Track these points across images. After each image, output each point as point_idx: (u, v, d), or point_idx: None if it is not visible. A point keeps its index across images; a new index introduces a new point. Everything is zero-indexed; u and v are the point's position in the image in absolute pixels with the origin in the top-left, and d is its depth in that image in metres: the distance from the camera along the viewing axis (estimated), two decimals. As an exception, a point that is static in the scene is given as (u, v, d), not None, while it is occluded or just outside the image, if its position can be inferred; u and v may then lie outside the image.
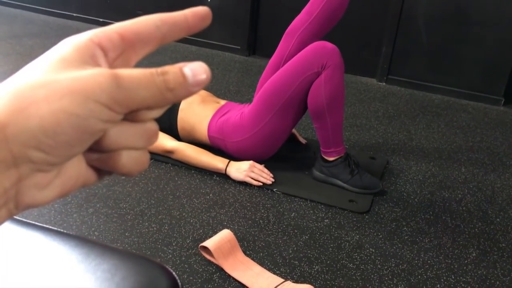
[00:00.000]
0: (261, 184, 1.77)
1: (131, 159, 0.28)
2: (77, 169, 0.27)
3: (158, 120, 1.95)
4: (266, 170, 1.81)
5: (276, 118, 1.76)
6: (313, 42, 1.85)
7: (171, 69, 0.28)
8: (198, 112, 1.92)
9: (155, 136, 0.29)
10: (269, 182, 1.77)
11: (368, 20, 3.27)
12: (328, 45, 1.69)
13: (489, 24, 2.94)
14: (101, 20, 4.29)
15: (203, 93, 2.03)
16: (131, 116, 0.27)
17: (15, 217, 0.59)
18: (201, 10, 0.32)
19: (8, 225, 0.56)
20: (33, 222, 0.56)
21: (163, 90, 0.27)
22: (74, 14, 4.39)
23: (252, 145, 1.82)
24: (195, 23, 0.31)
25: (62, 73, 0.26)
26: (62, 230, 0.54)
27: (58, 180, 0.26)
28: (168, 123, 1.95)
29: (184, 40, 3.95)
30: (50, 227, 0.53)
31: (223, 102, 2.00)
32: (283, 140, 1.87)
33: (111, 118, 0.25)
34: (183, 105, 1.94)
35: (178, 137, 1.96)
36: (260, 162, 1.85)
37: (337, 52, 1.69)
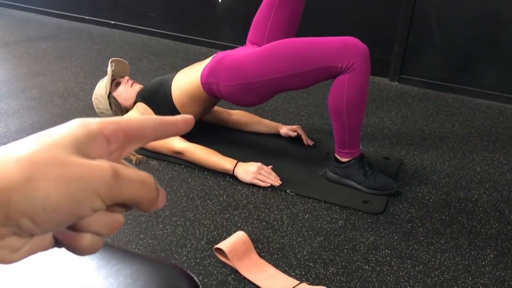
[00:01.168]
0: (268, 185, 1.76)
1: (91, 243, 0.30)
2: (43, 240, 0.29)
3: (157, 110, 1.97)
4: (273, 173, 1.80)
5: (280, 80, 1.70)
6: None
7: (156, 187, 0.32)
8: (189, 75, 1.93)
9: (119, 228, 0.32)
10: (277, 184, 1.77)
11: (379, 19, 3.25)
12: (361, 46, 1.64)
13: (503, 21, 2.90)
14: (112, 22, 4.32)
15: (190, 66, 2.03)
16: (108, 207, 0.30)
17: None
18: (189, 118, 0.35)
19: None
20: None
21: (153, 194, 0.31)
22: (86, 17, 4.43)
23: (248, 91, 1.76)
24: (183, 128, 0.35)
25: (73, 156, 0.28)
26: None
27: (28, 245, 0.28)
28: (167, 108, 1.96)
29: (195, 42, 3.96)
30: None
31: (212, 56, 1.97)
32: (276, 95, 1.83)
33: (99, 207, 0.28)
34: (174, 83, 1.96)
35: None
36: (266, 163, 1.84)
37: (367, 56, 1.64)
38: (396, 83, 3.28)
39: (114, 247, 0.53)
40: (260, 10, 1.95)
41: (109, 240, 1.42)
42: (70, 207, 0.27)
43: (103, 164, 0.28)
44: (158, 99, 1.97)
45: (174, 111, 1.96)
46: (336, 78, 1.66)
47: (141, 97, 2.03)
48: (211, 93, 1.88)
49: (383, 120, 2.58)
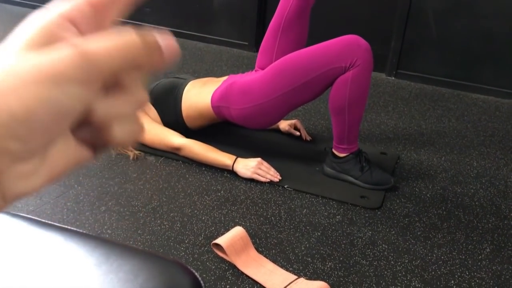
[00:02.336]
0: (268, 180, 1.77)
1: (122, 130, 0.27)
2: (64, 151, 0.26)
3: (164, 115, 1.96)
4: (273, 168, 1.80)
5: (289, 95, 1.71)
6: (312, 2, 1.85)
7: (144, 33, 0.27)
8: (201, 92, 1.92)
9: (143, 101, 0.28)
10: (276, 180, 1.77)
11: (376, 14, 3.24)
12: (362, 42, 1.64)
13: (499, 16, 2.90)
14: (108, 17, 4.29)
15: (204, 79, 2.03)
16: (112, 85, 0.26)
17: (31, 217, 0.59)
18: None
19: (24, 225, 0.56)
20: (50, 223, 0.56)
21: (146, 50, 0.26)
22: (82, 12, 4.40)
23: (259, 113, 1.77)
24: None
25: (28, 57, 0.24)
26: (80, 231, 0.54)
27: (44, 166, 0.25)
28: (174, 117, 1.95)
29: (191, 37, 3.94)
30: (68, 227, 0.53)
31: (225, 77, 1.98)
32: (287, 113, 1.83)
33: (86, 95, 0.24)
34: (186, 95, 1.94)
35: (186, 127, 1.96)
36: (268, 160, 1.84)
37: (370, 52, 1.65)
38: (393, 78, 3.28)
39: (114, 242, 0.53)
40: (266, 35, 1.94)
41: (107, 235, 1.42)
42: (45, 110, 0.23)
43: (63, 52, 0.24)
44: (167, 105, 1.95)
45: (179, 120, 1.95)
46: (339, 77, 1.66)
47: (148, 97, 2.00)
48: (221, 117, 1.89)
49: (380, 115, 2.58)
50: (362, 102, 1.69)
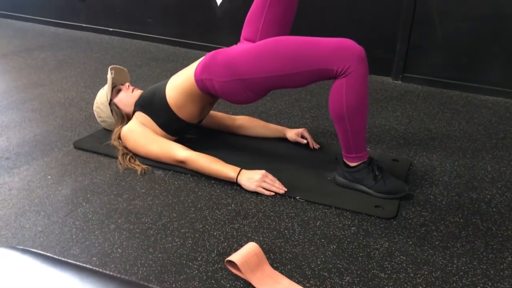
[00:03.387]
0: (273, 193, 1.73)
1: None
2: None
3: (156, 117, 1.93)
4: (278, 181, 1.76)
5: (276, 79, 1.68)
6: None
7: None
8: (183, 74, 1.91)
9: None
10: (282, 192, 1.73)
11: (381, 17, 3.21)
12: (357, 49, 1.58)
13: (505, 16, 2.87)
14: (110, 29, 4.29)
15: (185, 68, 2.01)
16: None
17: (43, 253, 0.56)
18: None
19: (37, 264, 0.52)
20: (64, 260, 0.53)
21: None
22: (84, 25, 4.40)
23: (242, 88, 1.74)
24: None
25: None
26: (97, 269, 0.51)
27: None
28: (164, 113, 1.93)
29: (195, 46, 3.92)
30: (85, 265, 0.50)
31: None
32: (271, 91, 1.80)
33: None
34: (168, 86, 1.93)
35: (180, 121, 1.93)
36: (276, 173, 1.80)
37: (364, 58, 1.59)
38: (400, 82, 3.24)
39: (135, 284, 0.49)
40: (253, 6, 1.91)
41: (118, 255, 1.39)
42: None
43: None
44: (154, 105, 1.94)
45: (170, 114, 1.92)
46: (334, 83, 1.63)
47: (138, 105, 2.00)
48: (205, 90, 1.85)
49: (388, 120, 2.54)
50: (362, 110, 1.65)
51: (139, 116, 1.98)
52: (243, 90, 1.74)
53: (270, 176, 1.76)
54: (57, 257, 0.52)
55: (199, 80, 1.83)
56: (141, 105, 1.98)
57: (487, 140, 2.34)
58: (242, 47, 1.77)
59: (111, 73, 2.08)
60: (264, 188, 1.73)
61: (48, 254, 0.52)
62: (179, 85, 1.89)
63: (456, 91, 3.10)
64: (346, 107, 1.63)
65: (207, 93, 1.87)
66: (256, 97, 1.79)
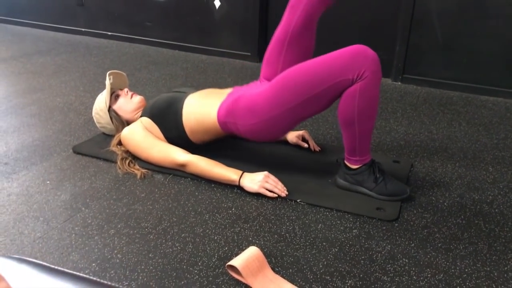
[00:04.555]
0: (276, 196, 1.72)
1: None
2: None
3: (166, 130, 1.91)
4: (280, 183, 1.75)
5: (295, 109, 1.66)
6: (320, 13, 1.77)
7: None
8: (204, 104, 1.87)
9: None
10: (283, 195, 1.72)
11: (379, 19, 3.21)
12: (369, 52, 1.57)
13: (505, 16, 2.86)
14: (109, 33, 4.28)
15: (204, 90, 1.98)
16: None
17: (40, 262, 0.54)
18: None
19: (34, 273, 0.51)
20: (61, 269, 0.52)
21: None
22: (83, 29, 4.40)
23: (267, 128, 1.73)
24: None
25: None
26: (94, 279, 0.50)
27: None
28: (176, 132, 1.91)
29: (194, 50, 3.92)
30: (82, 275, 0.48)
31: (229, 89, 1.93)
32: (297, 125, 1.78)
33: None
34: (186, 108, 1.89)
35: (190, 142, 1.92)
36: (278, 174, 1.80)
37: (378, 62, 1.58)
38: (399, 83, 3.24)
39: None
40: (271, 47, 1.87)
41: (118, 260, 1.38)
42: None
43: None
44: (167, 119, 1.91)
45: (182, 134, 1.91)
46: (347, 89, 1.61)
47: (149, 114, 1.95)
48: (228, 131, 1.85)
49: (389, 122, 2.53)
50: (372, 113, 1.63)
51: (145, 121, 1.94)
52: (268, 130, 1.74)
53: (273, 177, 1.75)
54: (53, 266, 0.51)
55: (223, 122, 1.82)
56: (153, 114, 1.94)
57: (488, 140, 2.33)
58: (261, 88, 1.75)
59: (109, 79, 2.07)
60: (266, 189, 1.72)
61: (45, 264, 0.51)
62: (199, 116, 1.86)
63: (456, 91, 3.09)
64: (358, 112, 1.60)
65: (229, 133, 1.86)
66: (282, 134, 1.78)
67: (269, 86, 1.72)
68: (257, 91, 1.75)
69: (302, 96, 1.63)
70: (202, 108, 1.87)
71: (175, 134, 1.91)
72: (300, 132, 2.12)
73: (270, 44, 1.88)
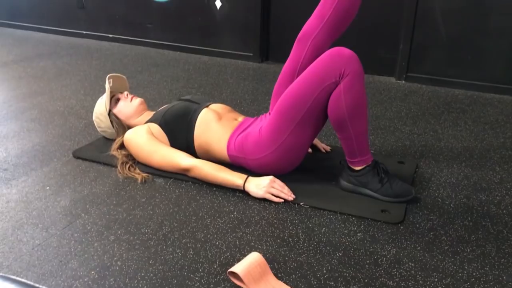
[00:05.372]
0: (282, 200, 1.69)
1: None
2: None
3: (174, 140, 1.88)
4: (286, 187, 1.72)
5: (296, 131, 1.69)
6: (328, 46, 1.76)
7: None
8: (215, 130, 1.85)
9: None
10: (290, 199, 1.69)
11: (383, 17, 3.17)
12: (345, 51, 1.58)
13: (510, 13, 2.82)
14: (110, 36, 4.27)
15: (221, 109, 1.95)
16: None
17: (24, 281, 0.52)
18: None
19: None
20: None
21: None
22: (84, 32, 4.38)
23: (274, 160, 1.74)
24: None
25: None
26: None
27: None
28: (185, 144, 1.88)
29: (195, 51, 3.90)
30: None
31: (241, 118, 1.92)
32: (306, 151, 1.79)
33: None
34: (200, 122, 1.87)
35: (195, 155, 1.90)
36: (281, 177, 1.77)
37: (355, 58, 1.58)
38: (403, 81, 3.20)
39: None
40: (280, 80, 1.87)
41: (117, 268, 1.35)
42: None
43: None
44: (179, 130, 1.88)
45: (191, 148, 1.89)
46: (333, 92, 1.61)
47: (159, 121, 1.91)
48: (238, 165, 1.85)
49: (393, 121, 2.50)
50: (363, 111, 1.62)
51: (154, 128, 1.90)
52: (277, 161, 1.75)
53: (279, 182, 1.72)
54: (37, 285, 0.48)
55: (232, 156, 1.83)
56: (163, 122, 1.90)
57: (494, 139, 2.29)
58: (266, 121, 1.77)
59: (109, 82, 2.05)
60: (272, 195, 1.69)
61: (28, 282, 0.48)
62: (210, 141, 1.85)
63: (461, 89, 3.05)
64: (347, 111, 1.60)
65: (238, 166, 1.85)
66: (293, 162, 1.79)
67: (270, 118, 1.75)
68: (263, 124, 1.77)
69: (298, 115, 1.66)
70: (215, 135, 1.85)
71: (183, 146, 1.89)
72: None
73: (279, 77, 1.88)
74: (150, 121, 1.96)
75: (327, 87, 1.61)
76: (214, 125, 1.86)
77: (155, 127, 1.91)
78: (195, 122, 1.87)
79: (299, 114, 1.66)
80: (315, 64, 1.64)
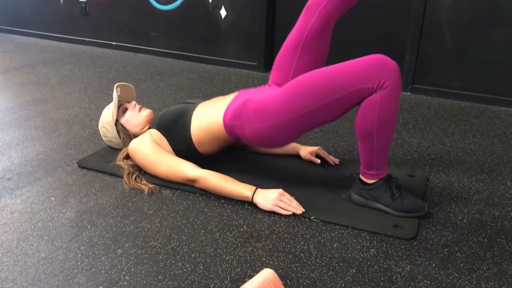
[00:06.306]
0: (290, 213, 1.65)
1: None
2: None
3: (174, 142, 1.85)
4: (295, 201, 1.69)
5: (309, 115, 1.60)
6: (336, 18, 1.71)
7: None
8: (210, 112, 1.82)
9: None
10: (299, 212, 1.65)
11: (389, 28, 3.16)
12: (391, 62, 1.52)
13: (518, 25, 2.81)
14: (114, 43, 4.25)
15: (213, 99, 1.92)
16: None
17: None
18: None
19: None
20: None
21: None
22: (87, 39, 4.36)
23: (275, 133, 1.66)
24: None
25: None
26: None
27: None
28: (184, 143, 1.85)
29: (199, 60, 3.88)
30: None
31: (235, 93, 1.86)
32: (306, 132, 1.72)
33: None
34: (194, 118, 1.85)
35: (197, 153, 1.86)
36: (290, 190, 1.74)
37: (398, 72, 1.53)
38: (409, 93, 3.18)
39: None
40: (283, 50, 1.79)
41: (125, 283, 1.31)
42: None
43: None
44: (176, 132, 1.86)
45: (190, 146, 1.85)
46: (366, 99, 1.55)
47: (157, 125, 1.89)
48: (233, 136, 1.79)
49: (401, 134, 2.47)
50: (391, 125, 1.58)
51: (154, 133, 1.89)
52: (277, 135, 1.67)
53: (287, 195, 1.68)
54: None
55: (228, 126, 1.76)
56: (161, 126, 1.88)
57: (504, 153, 2.27)
58: (272, 93, 1.69)
59: (117, 91, 2.02)
60: (281, 208, 1.65)
61: None
62: (205, 124, 1.81)
63: (468, 102, 3.03)
64: (378, 123, 1.55)
65: (234, 138, 1.81)
66: (289, 140, 1.71)
67: (282, 90, 1.65)
68: (268, 95, 1.69)
69: (317, 103, 1.57)
70: (208, 115, 1.82)
71: (183, 146, 1.86)
72: (314, 149, 2.05)
73: (282, 47, 1.80)
74: (149, 127, 1.94)
75: (361, 91, 1.53)
76: (207, 111, 1.83)
77: (155, 133, 1.88)
78: (190, 120, 1.85)
79: (320, 103, 1.57)
80: (355, 62, 1.55)
